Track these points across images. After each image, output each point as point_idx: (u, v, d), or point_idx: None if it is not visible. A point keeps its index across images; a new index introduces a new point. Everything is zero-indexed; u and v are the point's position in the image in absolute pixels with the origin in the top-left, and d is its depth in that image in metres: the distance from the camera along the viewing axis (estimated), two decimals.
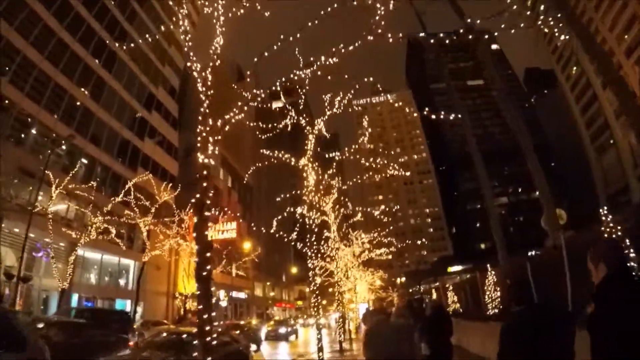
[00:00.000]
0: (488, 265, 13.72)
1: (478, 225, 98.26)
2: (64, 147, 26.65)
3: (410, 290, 79.43)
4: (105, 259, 30.05)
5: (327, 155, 19.24)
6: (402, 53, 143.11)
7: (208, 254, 5.77)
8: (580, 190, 70.18)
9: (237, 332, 18.53)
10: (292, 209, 12.84)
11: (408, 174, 23.35)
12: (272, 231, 14.86)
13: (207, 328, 5.04)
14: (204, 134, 6.11)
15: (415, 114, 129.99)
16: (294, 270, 70.06)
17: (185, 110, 75.07)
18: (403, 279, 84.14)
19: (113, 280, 30.97)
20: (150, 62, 39.32)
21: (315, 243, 11.95)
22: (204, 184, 6.04)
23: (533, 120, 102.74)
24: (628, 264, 2.72)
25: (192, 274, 35.29)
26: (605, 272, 2.43)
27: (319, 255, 13.28)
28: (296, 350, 22.17)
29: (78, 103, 28.69)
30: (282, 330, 29.96)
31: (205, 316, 5.19)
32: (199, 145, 6.08)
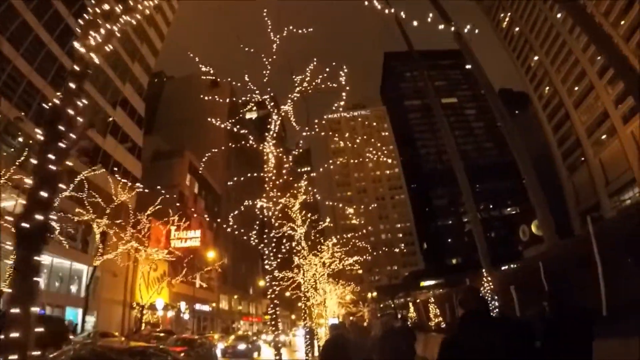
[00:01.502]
0: (483, 271, 12.55)
1: (450, 240, 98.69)
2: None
3: (382, 305, 78.39)
4: (56, 263, 27.40)
5: (299, 170, 19.21)
6: (378, 70, 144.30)
7: (45, 194, 3.75)
8: (550, 207, 71.38)
9: (185, 348, 16.01)
10: (250, 202, 11.29)
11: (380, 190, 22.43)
12: (229, 230, 13.30)
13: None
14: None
15: (385, 132, 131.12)
16: (262, 283, 67.71)
17: (157, 115, 72.92)
18: (374, 293, 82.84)
19: (64, 286, 28.23)
20: (119, 56, 37.29)
21: (274, 241, 10.46)
22: (72, 85, 4.23)
23: (504, 140, 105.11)
24: (480, 306, 3.16)
25: (151, 283, 32.99)
26: (462, 312, 3.13)
27: (280, 257, 11.74)
28: None
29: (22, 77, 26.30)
30: (242, 346, 26.41)
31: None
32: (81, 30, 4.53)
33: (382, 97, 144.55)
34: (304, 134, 11.24)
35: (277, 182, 10.81)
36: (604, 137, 51.15)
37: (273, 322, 10.17)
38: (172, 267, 36.63)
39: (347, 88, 10.91)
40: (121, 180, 28.29)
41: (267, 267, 10.25)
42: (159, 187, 29.68)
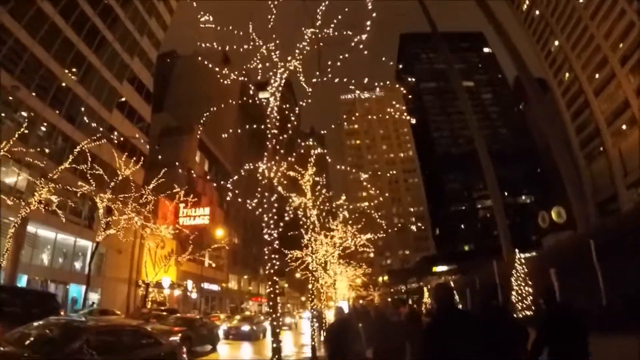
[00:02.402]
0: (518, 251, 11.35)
1: (462, 226, 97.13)
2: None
3: (392, 290, 77.79)
4: (60, 239, 26.83)
5: (312, 152, 18.45)
6: (394, 51, 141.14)
7: None
8: (562, 198, 69.62)
9: (184, 329, 15.11)
10: (251, 165, 10.15)
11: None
12: (230, 195, 12.29)
13: None
14: None
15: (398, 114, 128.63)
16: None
17: (168, 94, 72.05)
18: (385, 277, 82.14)
19: (68, 262, 27.70)
20: (127, 30, 36.25)
21: (275, 206, 9.39)
22: None
23: (523, 126, 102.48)
24: (451, 300, 3.94)
25: (158, 260, 32.42)
26: (436, 305, 4.04)
27: (281, 226, 10.58)
28: (262, 353, 18.56)
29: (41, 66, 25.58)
30: (245, 328, 24.38)
31: None
32: None
33: (398, 80, 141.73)
34: (315, 80, 9.84)
35: (281, 138, 9.65)
36: (624, 127, 49.43)
37: (272, 303, 9.12)
38: (181, 245, 36.06)
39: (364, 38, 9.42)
40: (124, 155, 27.54)
41: (266, 236, 9.19)
42: (165, 168, 29.08)
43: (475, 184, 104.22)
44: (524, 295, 9.91)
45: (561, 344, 4.32)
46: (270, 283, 9.17)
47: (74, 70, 29.18)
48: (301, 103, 11.29)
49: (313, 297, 20.51)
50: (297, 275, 47.08)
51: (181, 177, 41.34)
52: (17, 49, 24.63)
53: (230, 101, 12.49)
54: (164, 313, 20.55)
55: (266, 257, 9.39)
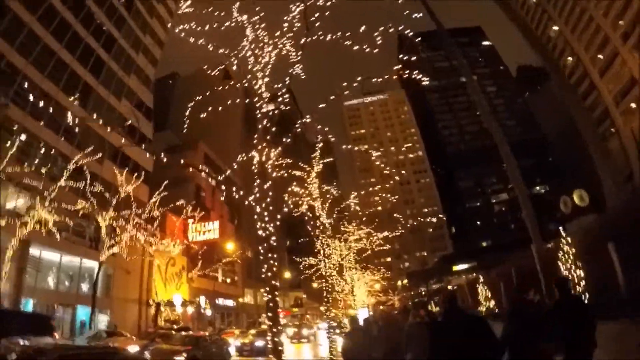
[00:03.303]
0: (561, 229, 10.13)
1: (478, 223, 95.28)
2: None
3: (412, 293, 75.95)
4: (65, 261, 26.13)
5: (321, 162, 18.58)
6: (393, 52, 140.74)
7: None
8: (579, 182, 67.63)
9: (189, 348, 13.93)
10: (245, 157, 9.38)
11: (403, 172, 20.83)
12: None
13: None
14: None
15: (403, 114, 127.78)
16: (287, 275, 66.22)
17: (171, 113, 72.05)
18: (405, 280, 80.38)
19: (74, 284, 26.93)
20: (122, 48, 35.96)
21: (269, 196, 8.59)
22: None
23: (529, 116, 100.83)
24: (456, 305, 4.46)
25: (169, 278, 31.58)
26: (442, 309, 4.70)
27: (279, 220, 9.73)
28: None
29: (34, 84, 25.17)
30: (260, 343, 22.30)
31: None
32: None
33: (400, 81, 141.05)
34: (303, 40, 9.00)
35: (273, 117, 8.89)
36: (633, 105, 47.78)
37: (271, 314, 8.17)
38: (192, 262, 35.23)
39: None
40: (126, 172, 26.90)
41: (260, 232, 8.30)
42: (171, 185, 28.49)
43: (487, 179, 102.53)
44: (576, 280, 8.64)
45: (570, 332, 4.75)
46: (267, 289, 8.16)
47: (70, 90, 28.74)
48: (306, 119, 10.83)
49: (328, 305, 19.51)
50: (315, 285, 46.10)
51: (188, 194, 40.76)
52: (9, 71, 24.24)
53: (234, 113, 11.84)
54: (172, 331, 19.53)
55: (261, 257, 8.49)
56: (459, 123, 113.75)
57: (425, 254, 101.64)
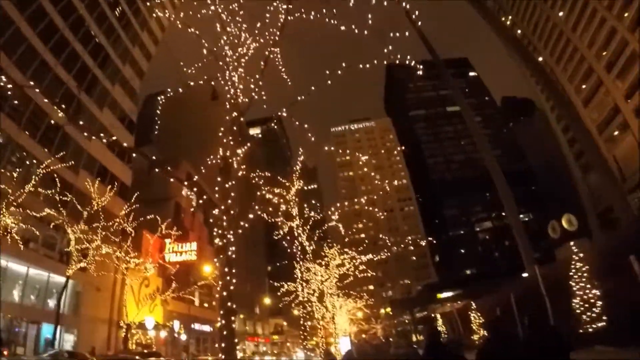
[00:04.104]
0: (572, 245, 9.35)
1: (462, 251, 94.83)
2: None
3: (396, 321, 74.33)
4: (33, 274, 24.44)
5: (306, 187, 18.89)
6: (381, 82, 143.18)
7: None
8: (563, 210, 68.22)
9: None
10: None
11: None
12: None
13: None
14: None
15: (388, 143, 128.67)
16: (268, 301, 64.35)
17: (157, 130, 70.91)
18: (388, 309, 78.75)
19: (40, 299, 25.20)
20: (107, 57, 35.24)
21: (233, 192, 7.84)
22: None
23: (514, 147, 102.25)
24: (438, 337, 5.25)
25: (142, 299, 29.93)
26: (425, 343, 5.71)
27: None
28: None
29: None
30: None
31: None
32: None
33: (387, 109, 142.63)
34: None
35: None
36: (616, 133, 48.95)
37: (225, 344, 7.14)
38: (167, 283, 33.63)
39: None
40: (105, 186, 25.75)
41: (217, 240, 7.46)
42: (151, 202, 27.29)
43: (472, 207, 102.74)
44: (591, 301, 7.78)
45: None
46: (222, 313, 7.16)
47: (51, 94, 27.67)
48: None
49: (306, 334, 18.48)
50: (296, 311, 44.50)
51: (168, 212, 39.40)
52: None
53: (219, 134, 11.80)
54: (137, 357, 18.05)
55: (218, 274, 7.65)
56: (445, 152, 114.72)
57: (409, 282, 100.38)
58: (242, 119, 8.34)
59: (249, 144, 8.51)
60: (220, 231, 7.23)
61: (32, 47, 26.11)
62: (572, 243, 9.52)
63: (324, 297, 27.16)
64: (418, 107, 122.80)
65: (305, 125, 9.40)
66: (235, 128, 8.22)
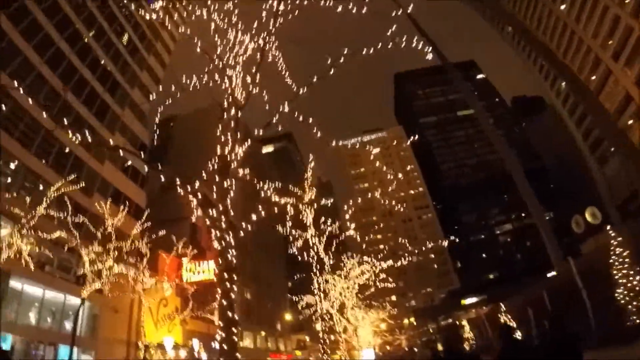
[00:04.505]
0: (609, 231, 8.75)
1: (484, 255, 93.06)
2: None
3: (420, 331, 72.75)
4: (49, 296, 24.53)
5: (321, 202, 18.37)
6: (390, 91, 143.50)
7: None
8: (585, 203, 66.30)
9: None
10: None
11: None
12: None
13: None
14: None
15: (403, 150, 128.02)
16: (289, 317, 63.57)
17: (171, 147, 71.73)
18: (411, 319, 77.19)
19: (57, 322, 25.18)
20: (116, 82, 35.92)
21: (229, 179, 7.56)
22: None
23: (527, 146, 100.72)
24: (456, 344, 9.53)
25: (160, 319, 29.71)
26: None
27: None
28: None
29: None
30: None
31: None
32: None
33: (397, 119, 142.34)
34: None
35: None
36: (630, 121, 47.58)
37: (227, 355, 6.58)
38: (186, 303, 33.39)
39: None
40: (114, 205, 25.80)
41: (215, 243, 7.11)
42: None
43: (490, 211, 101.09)
44: (637, 289, 7.11)
45: None
46: (221, 325, 6.68)
47: (60, 119, 28.07)
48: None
49: (325, 348, 17.96)
50: (318, 326, 43.65)
51: (184, 232, 39.36)
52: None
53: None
54: None
55: (216, 281, 7.22)
56: (457, 157, 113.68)
57: (431, 290, 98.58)
58: (240, 113, 8.09)
59: (249, 141, 8.21)
60: (218, 233, 6.85)
61: (41, 74, 26.73)
62: (608, 228, 8.87)
63: (344, 309, 26.56)
64: (428, 114, 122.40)
65: (310, 120, 9.08)
66: (233, 125, 7.98)
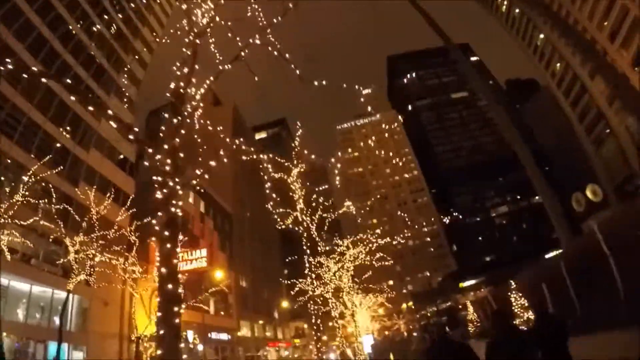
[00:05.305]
0: None
1: (480, 238, 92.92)
2: None
3: (418, 316, 72.70)
4: (36, 291, 23.70)
5: (316, 189, 18.19)
6: (383, 75, 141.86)
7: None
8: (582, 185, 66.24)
9: None
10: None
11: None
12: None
13: None
14: None
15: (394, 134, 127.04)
16: (285, 304, 63.04)
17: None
18: (410, 303, 77.11)
19: (45, 317, 24.36)
20: (102, 68, 34.62)
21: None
22: None
23: (523, 128, 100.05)
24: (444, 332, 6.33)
25: (153, 310, 28.88)
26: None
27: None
28: None
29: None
30: None
31: None
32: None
33: (391, 102, 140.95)
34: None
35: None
36: None
37: (167, 338, 5.24)
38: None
39: None
40: (100, 194, 24.81)
41: (157, 194, 6.12)
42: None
43: (485, 193, 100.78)
44: None
45: (550, 349, 5.08)
46: (159, 300, 5.22)
47: (44, 107, 27.01)
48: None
49: (318, 334, 17.18)
50: (312, 312, 43.08)
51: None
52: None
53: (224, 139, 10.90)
54: None
55: (155, 241, 6.26)
56: (452, 139, 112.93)
57: (429, 274, 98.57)
58: (198, 41, 7.05)
59: (212, 79, 7.17)
60: (160, 179, 5.69)
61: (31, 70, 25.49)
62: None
63: (340, 293, 25.85)
64: (422, 96, 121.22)
65: (287, 56, 8.01)
66: (190, 54, 6.94)
